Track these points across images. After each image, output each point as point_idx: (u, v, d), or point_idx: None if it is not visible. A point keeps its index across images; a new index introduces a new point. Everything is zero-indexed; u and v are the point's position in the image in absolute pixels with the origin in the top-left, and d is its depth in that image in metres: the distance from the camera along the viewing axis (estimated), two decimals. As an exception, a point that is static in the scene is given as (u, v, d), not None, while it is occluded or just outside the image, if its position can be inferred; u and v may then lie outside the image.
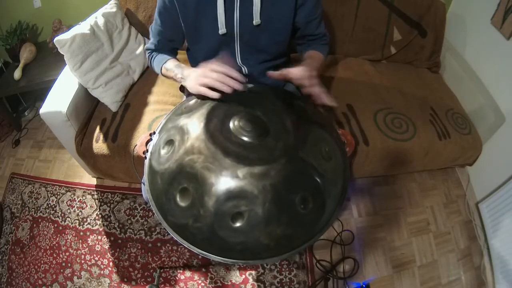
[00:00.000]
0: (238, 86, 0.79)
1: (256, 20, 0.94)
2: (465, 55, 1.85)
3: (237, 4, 0.92)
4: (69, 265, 1.55)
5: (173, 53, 1.13)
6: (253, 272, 1.48)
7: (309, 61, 0.99)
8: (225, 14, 0.92)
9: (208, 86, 0.80)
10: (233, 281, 1.45)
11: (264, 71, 1.12)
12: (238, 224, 0.58)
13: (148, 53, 1.12)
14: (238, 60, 1.07)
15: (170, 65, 1.02)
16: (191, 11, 0.94)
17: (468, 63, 1.81)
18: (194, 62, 1.16)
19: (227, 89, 0.79)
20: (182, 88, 1.36)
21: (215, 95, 0.79)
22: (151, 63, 1.11)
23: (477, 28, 1.76)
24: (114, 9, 1.61)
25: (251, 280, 1.46)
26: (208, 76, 0.81)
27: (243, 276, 1.47)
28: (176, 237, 0.63)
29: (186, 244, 0.62)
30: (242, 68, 1.09)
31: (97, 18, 1.53)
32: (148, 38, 1.77)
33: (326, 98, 0.85)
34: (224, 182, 0.59)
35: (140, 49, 1.70)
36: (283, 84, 1.23)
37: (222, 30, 0.95)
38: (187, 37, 1.06)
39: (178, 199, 0.62)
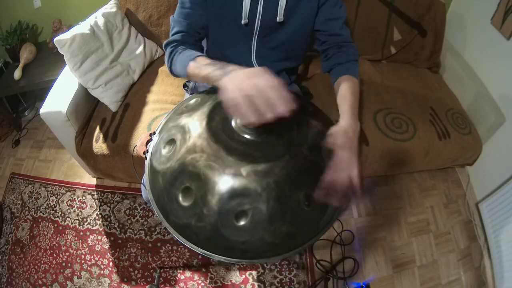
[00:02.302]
0: (284, 111, 0.56)
1: (280, 17, 0.93)
2: (465, 55, 1.85)
3: None
4: (69, 265, 1.55)
5: (201, 49, 0.99)
6: (253, 272, 1.48)
7: (350, 104, 0.84)
8: (250, 5, 0.91)
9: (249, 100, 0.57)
10: (233, 281, 1.45)
11: (277, 72, 1.11)
12: (242, 223, 0.58)
13: (172, 47, 0.93)
14: (253, 57, 1.06)
15: (201, 61, 0.80)
16: None
17: (468, 63, 1.81)
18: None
19: (268, 117, 0.56)
20: (185, 86, 1.34)
21: (253, 119, 0.56)
22: (172, 59, 0.91)
23: (477, 28, 1.76)
24: (114, 9, 1.61)
25: (251, 280, 1.46)
26: (252, 93, 0.56)
27: (243, 276, 1.47)
28: (178, 237, 0.63)
29: (188, 244, 0.62)
30: (255, 66, 1.08)
31: (97, 18, 1.53)
32: (148, 38, 1.78)
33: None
34: (227, 180, 0.58)
35: (140, 49, 1.70)
36: (288, 85, 1.22)
37: (244, 20, 0.94)
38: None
39: (180, 198, 0.61)
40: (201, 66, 0.78)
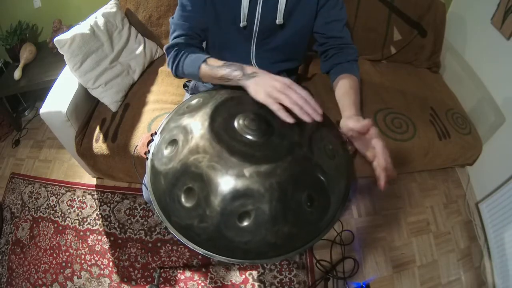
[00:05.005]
0: (318, 118, 0.67)
1: (279, 19, 0.93)
2: (465, 55, 1.85)
3: (260, 0, 0.91)
4: (69, 265, 1.55)
5: (203, 51, 0.98)
6: (253, 272, 1.48)
7: (353, 100, 0.85)
8: (248, 8, 0.91)
9: (281, 103, 0.67)
10: (233, 281, 1.45)
11: (277, 73, 1.11)
12: (245, 224, 0.58)
13: (176, 50, 0.92)
14: (253, 58, 1.06)
15: (214, 63, 0.83)
16: None
17: (468, 63, 1.81)
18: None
19: (306, 118, 0.66)
20: (186, 86, 1.34)
21: (288, 118, 0.65)
22: (178, 62, 0.91)
23: (477, 28, 1.76)
24: (114, 9, 1.61)
25: (251, 280, 1.46)
26: (287, 94, 0.68)
27: (243, 276, 1.47)
28: (180, 238, 0.63)
29: (190, 244, 0.62)
30: (255, 67, 1.08)
31: (97, 18, 1.52)
32: (148, 38, 1.78)
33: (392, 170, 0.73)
34: (230, 181, 0.58)
35: (140, 49, 1.70)
36: None
37: (243, 23, 0.94)
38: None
39: (182, 199, 0.61)
40: (215, 67, 0.82)
